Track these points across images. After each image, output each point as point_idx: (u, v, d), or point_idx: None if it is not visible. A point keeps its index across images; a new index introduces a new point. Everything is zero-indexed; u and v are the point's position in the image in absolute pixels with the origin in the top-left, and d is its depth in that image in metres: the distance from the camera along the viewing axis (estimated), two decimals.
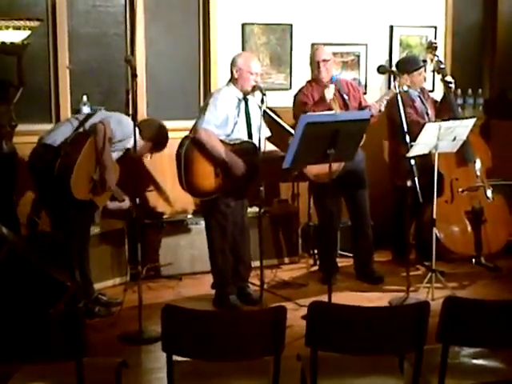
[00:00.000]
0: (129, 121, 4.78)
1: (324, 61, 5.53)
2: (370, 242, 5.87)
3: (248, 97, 5.11)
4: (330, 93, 5.38)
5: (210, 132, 4.98)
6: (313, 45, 6.58)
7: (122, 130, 4.83)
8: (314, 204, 5.92)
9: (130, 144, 4.87)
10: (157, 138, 5.20)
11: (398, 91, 5.37)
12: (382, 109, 5.50)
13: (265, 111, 5.30)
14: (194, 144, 5.02)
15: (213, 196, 5.12)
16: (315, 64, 5.56)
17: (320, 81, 5.56)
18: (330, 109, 5.41)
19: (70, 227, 4.88)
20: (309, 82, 5.74)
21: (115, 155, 4.94)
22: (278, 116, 6.20)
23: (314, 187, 5.76)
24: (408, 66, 6.11)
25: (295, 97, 5.71)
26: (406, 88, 5.66)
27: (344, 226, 6.10)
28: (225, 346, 2.86)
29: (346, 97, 5.57)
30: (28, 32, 5.23)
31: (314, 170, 5.25)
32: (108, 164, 4.80)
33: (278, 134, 5.71)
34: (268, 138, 5.27)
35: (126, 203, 5.09)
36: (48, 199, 4.98)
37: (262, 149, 4.94)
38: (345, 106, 5.54)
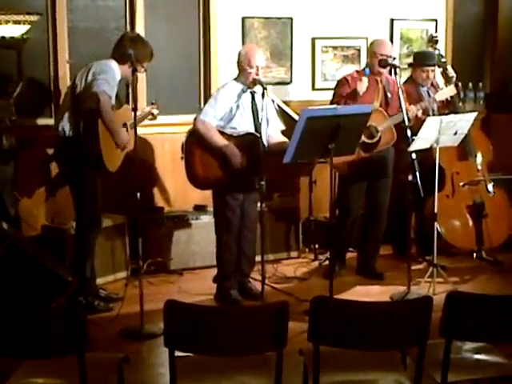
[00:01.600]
0: (110, 65, 4.87)
1: (390, 57, 5.44)
2: (380, 234, 5.83)
3: (255, 90, 5.07)
4: (362, 86, 5.32)
5: (207, 123, 5.00)
6: (314, 39, 6.60)
7: (112, 81, 4.81)
8: (337, 195, 5.74)
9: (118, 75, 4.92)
10: (146, 57, 5.09)
11: (439, 99, 5.62)
12: (419, 114, 5.45)
13: (278, 104, 5.28)
14: (193, 135, 5.07)
15: (214, 187, 5.15)
16: (377, 55, 5.43)
17: (374, 73, 5.48)
18: (365, 102, 5.36)
19: (91, 192, 4.95)
20: (357, 71, 5.69)
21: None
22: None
23: (341, 177, 5.69)
24: (416, 59, 6.14)
25: (338, 81, 5.65)
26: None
27: None
28: (227, 341, 2.85)
29: (389, 95, 5.52)
30: (28, 26, 5.21)
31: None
32: (113, 127, 4.79)
33: (291, 127, 5.71)
34: (283, 132, 5.26)
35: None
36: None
37: (273, 141, 5.02)
38: (386, 103, 5.50)
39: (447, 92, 5.72)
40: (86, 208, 4.99)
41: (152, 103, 5.44)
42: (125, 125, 5.00)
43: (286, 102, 6.27)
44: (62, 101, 5.20)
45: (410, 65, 6.22)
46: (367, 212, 5.84)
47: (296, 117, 6.00)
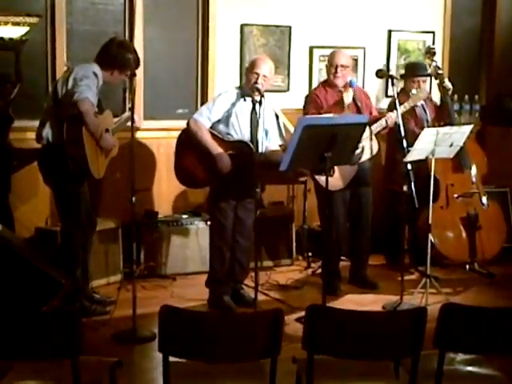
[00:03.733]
0: (92, 70, 4.74)
1: (342, 66, 5.46)
2: (367, 244, 5.82)
3: (256, 98, 5.02)
4: (348, 97, 5.35)
5: (199, 123, 5.03)
6: (311, 48, 6.62)
7: (94, 87, 4.70)
8: (318, 207, 5.80)
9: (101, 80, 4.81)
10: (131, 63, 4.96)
11: (416, 104, 5.56)
12: (399, 121, 5.48)
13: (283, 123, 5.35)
14: (185, 133, 5.12)
15: (198, 186, 5.34)
16: (333, 67, 5.48)
17: (334, 85, 5.50)
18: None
19: (76, 202, 4.87)
20: (322, 84, 5.71)
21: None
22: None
23: (322, 189, 5.66)
24: (407, 71, 6.19)
25: (307, 97, 5.67)
26: (422, 102, 5.70)
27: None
28: (221, 347, 2.85)
29: (359, 104, 5.52)
30: (27, 28, 5.21)
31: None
32: (98, 132, 4.71)
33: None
34: (280, 146, 5.25)
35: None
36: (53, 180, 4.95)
37: (265, 150, 5.04)
38: (358, 112, 5.48)
39: (420, 95, 5.66)
40: (72, 215, 4.89)
41: (129, 109, 5.26)
42: (107, 131, 4.92)
43: (283, 111, 6.28)
44: (45, 107, 4.99)
45: (401, 76, 6.25)
46: (352, 222, 5.81)
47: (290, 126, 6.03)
